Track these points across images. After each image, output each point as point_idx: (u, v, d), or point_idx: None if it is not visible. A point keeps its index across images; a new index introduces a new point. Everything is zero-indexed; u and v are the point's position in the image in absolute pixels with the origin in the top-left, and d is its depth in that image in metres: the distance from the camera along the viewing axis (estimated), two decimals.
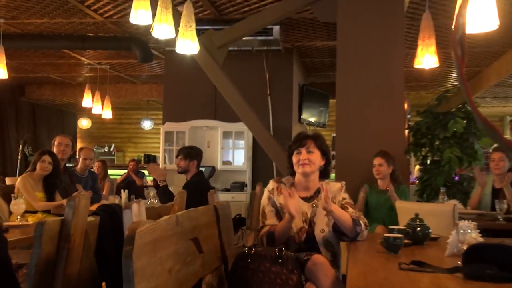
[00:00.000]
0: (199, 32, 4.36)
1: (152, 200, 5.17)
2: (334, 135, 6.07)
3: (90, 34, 7.85)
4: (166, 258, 2.15)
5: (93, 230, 2.56)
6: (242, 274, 2.69)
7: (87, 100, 9.67)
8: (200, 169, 5.68)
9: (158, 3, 4.01)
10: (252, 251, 2.73)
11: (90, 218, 2.57)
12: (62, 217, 2.34)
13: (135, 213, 2.50)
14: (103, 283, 2.62)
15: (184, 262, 2.36)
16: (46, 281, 2.21)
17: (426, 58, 4.63)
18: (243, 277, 2.68)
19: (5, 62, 6.68)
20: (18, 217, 3.90)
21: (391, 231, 2.73)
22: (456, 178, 5.63)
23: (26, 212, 4.17)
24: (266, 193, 3.16)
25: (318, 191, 3.13)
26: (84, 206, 2.42)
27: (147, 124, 13.97)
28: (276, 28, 7.02)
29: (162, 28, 4.09)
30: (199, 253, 2.58)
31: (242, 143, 8.30)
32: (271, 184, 3.17)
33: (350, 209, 3.03)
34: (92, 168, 6.82)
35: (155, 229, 2.08)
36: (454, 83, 10.78)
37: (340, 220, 2.91)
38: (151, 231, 2.02)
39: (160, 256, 2.08)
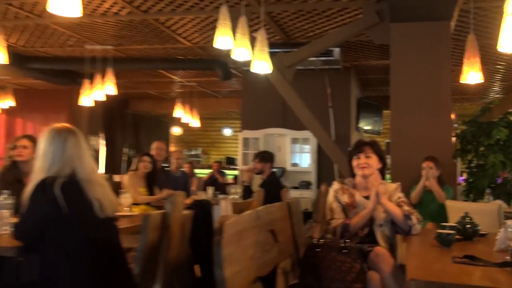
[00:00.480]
0: (271, 54, 4.36)
1: (233, 196, 5.23)
2: (388, 141, 5.92)
3: (181, 57, 8.00)
4: (248, 247, 2.16)
5: (188, 222, 2.61)
6: (312, 261, 2.67)
7: (179, 112, 9.86)
8: (273, 170, 5.69)
9: (237, 31, 4.04)
10: (321, 242, 2.70)
11: (185, 212, 2.62)
12: (164, 210, 2.40)
13: (223, 208, 2.53)
14: (197, 266, 2.66)
15: (263, 250, 2.36)
16: (151, 263, 2.27)
17: (471, 75, 4.42)
18: (312, 264, 2.66)
19: (114, 81, 6.92)
20: (127, 208, 4.03)
21: (443, 227, 2.62)
22: (499, 180, 5.37)
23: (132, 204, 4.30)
24: (332, 192, 3.12)
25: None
26: (181, 202, 2.47)
27: (227, 132, 14.12)
28: (337, 50, 6.92)
29: (240, 52, 4.13)
30: (275, 243, 2.58)
31: (308, 148, 8.22)
32: (336, 185, 3.13)
33: (405, 207, 2.94)
34: (183, 168, 6.97)
35: (239, 222, 2.09)
36: (495, 95, 10.30)
37: (391, 212, 2.86)
38: (236, 224, 2.03)
39: (243, 245, 2.09)
